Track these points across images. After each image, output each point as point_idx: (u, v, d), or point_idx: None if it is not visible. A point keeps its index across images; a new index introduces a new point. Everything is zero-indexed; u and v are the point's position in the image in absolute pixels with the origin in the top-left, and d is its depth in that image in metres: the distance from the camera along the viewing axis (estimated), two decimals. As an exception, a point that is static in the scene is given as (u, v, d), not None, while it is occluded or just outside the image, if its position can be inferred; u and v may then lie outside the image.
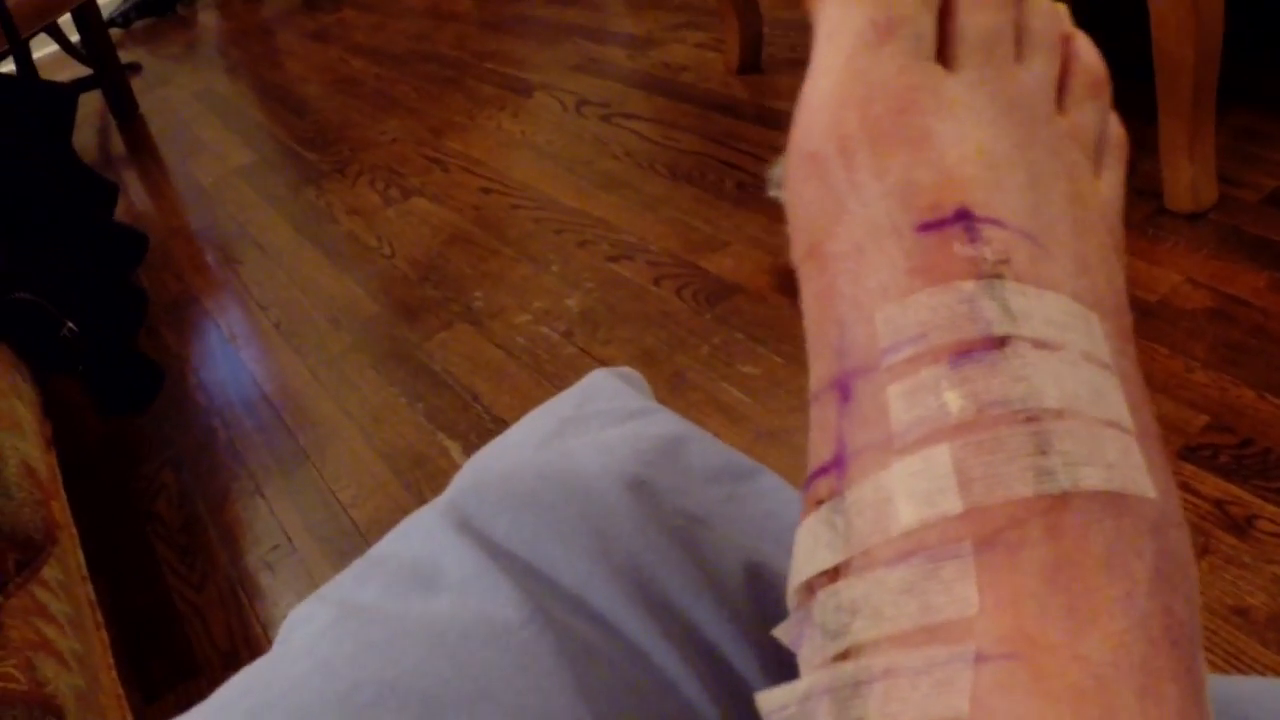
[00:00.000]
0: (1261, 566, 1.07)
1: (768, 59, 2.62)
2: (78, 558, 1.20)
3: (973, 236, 0.28)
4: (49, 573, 1.02)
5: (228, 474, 1.71)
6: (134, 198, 2.99)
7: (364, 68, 3.56)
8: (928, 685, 0.24)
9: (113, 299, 1.74)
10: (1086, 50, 0.34)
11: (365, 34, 3.95)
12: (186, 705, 0.37)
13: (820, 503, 0.29)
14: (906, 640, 0.25)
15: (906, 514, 0.26)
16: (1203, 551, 1.10)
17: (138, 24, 5.15)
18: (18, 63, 2.59)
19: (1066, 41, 0.34)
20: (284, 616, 1.40)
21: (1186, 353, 1.35)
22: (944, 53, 0.32)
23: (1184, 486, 1.17)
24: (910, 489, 0.26)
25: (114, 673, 1.10)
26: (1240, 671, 1.00)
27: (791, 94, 2.13)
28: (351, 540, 1.48)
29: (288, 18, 4.58)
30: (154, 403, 1.82)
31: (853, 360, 0.29)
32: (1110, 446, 0.26)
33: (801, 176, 0.31)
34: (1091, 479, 0.26)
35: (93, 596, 1.18)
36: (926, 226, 0.29)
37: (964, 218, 0.29)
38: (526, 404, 1.61)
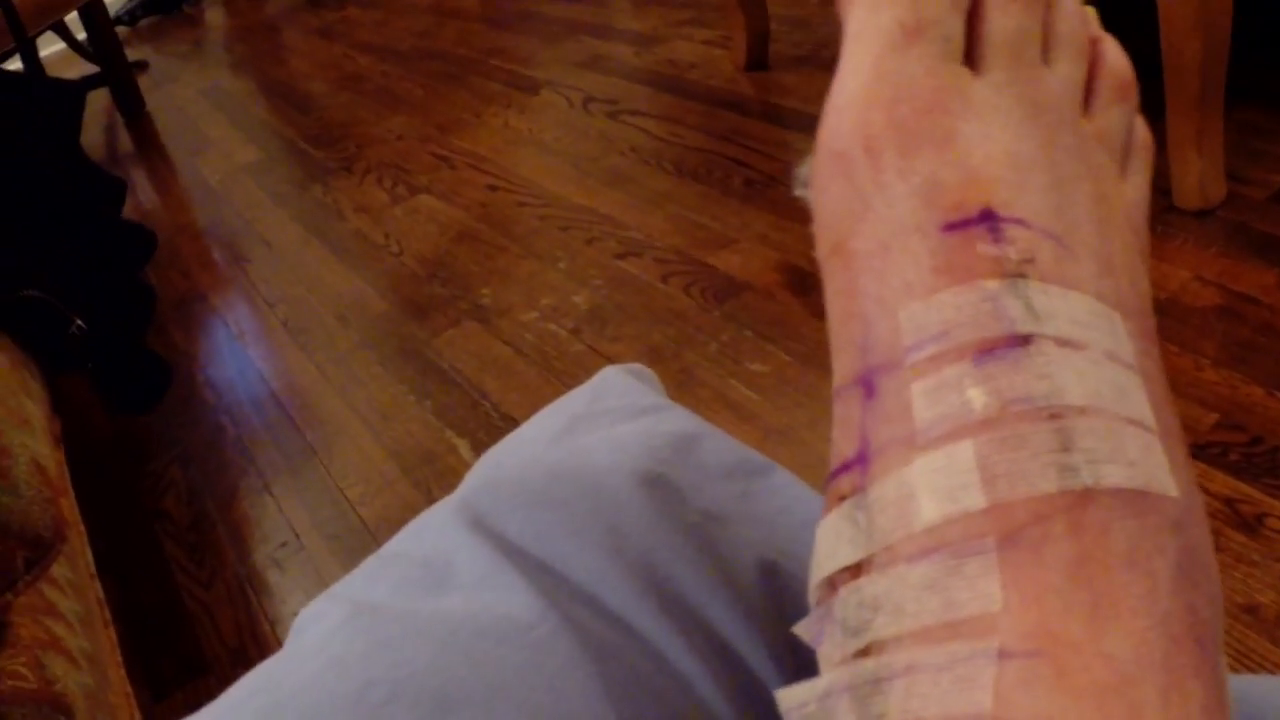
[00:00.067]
0: (1271, 564, 1.07)
1: (775, 56, 2.62)
2: (87, 556, 1.20)
3: (997, 236, 0.28)
4: (58, 571, 1.02)
5: (236, 471, 1.71)
6: (141, 195, 2.99)
7: (369, 65, 3.56)
8: (949, 681, 0.24)
9: (121, 296, 1.75)
10: (1114, 54, 0.34)
11: (370, 31, 3.96)
12: (195, 703, 0.37)
13: (843, 499, 0.28)
14: (928, 636, 0.25)
15: (929, 510, 0.26)
16: (1213, 549, 1.10)
17: (144, 22, 5.15)
18: (24, 60, 2.59)
19: (1094, 45, 0.34)
20: (292, 614, 1.39)
21: (1196, 350, 1.35)
22: (971, 55, 0.32)
23: (1194, 484, 1.17)
24: (933, 485, 0.26)
25: (123, 671, 1.10)
26: (1250, 670, 0.99)
27: (798, 91, 2.14)
28: (360, 538, 1.49)
29: (293, 15, 4.58)
30: (163, 401, 1.82)
31: (876, 357, 0.29)
32: (1133, 444, 0.26)
33: (827, 175, 0.31)
34: (1114, 476, 0.26)
35: (101, 594, 1.18)
36: (951, 226, 0.29)
37: (988, 218, 0.29)
38: (535, 401, 1.61)
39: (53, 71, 3.37)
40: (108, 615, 1.16)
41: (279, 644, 1.42)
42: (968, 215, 0.29)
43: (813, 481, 0.47)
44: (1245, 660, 1.00)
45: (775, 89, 2.48)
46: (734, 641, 0.38)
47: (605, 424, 0.49)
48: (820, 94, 2.25)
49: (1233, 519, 1.12)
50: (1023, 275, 0.28)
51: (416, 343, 1.89)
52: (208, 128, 3.40)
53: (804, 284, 1.73)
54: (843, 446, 0.29)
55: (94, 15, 3.48)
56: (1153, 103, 1.55)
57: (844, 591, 0.27)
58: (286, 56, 4.00)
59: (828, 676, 0.27)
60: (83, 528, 1.24)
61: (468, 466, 1.55)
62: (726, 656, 0.38)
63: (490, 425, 1.63)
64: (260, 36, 4.38)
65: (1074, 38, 0.33)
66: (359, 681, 0.34)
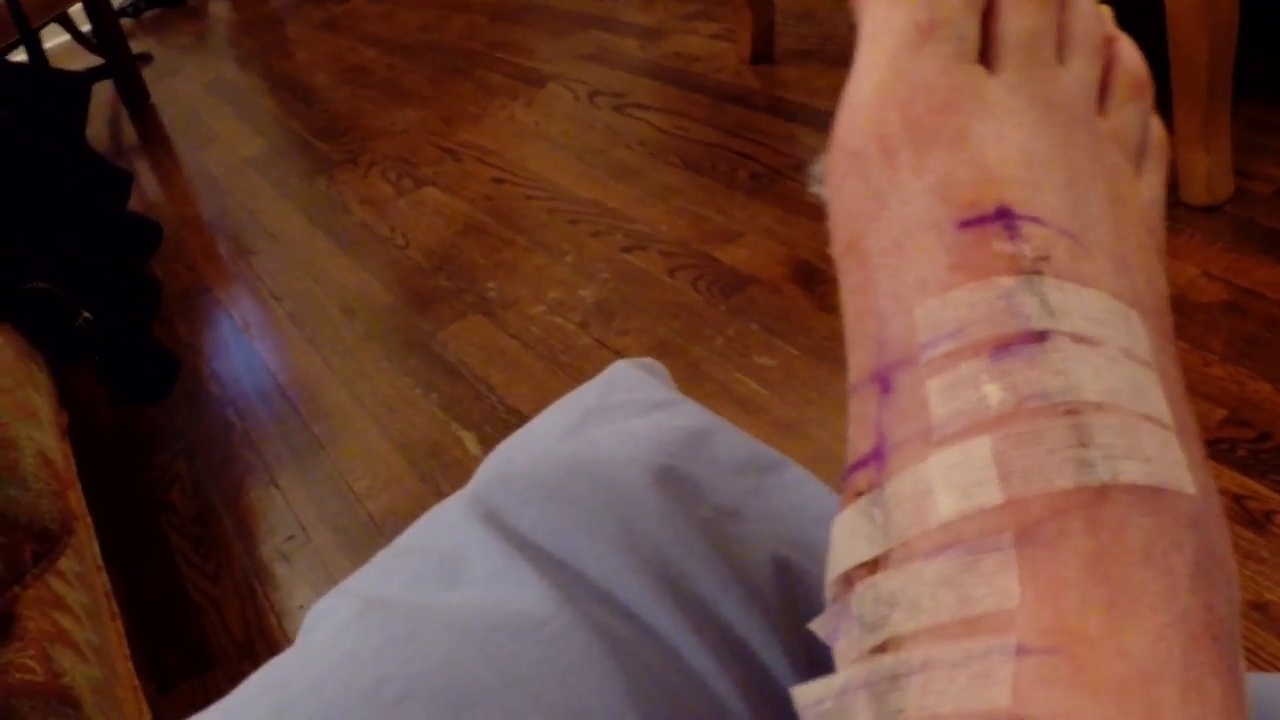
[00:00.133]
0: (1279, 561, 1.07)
1: (780, 50, 2.61)
2: (93, 548, 1.20)
3: (1012, 234, 0.28)
4: (65, 564, 1.02)
5: (242, 464, 1.72)
6: (146, 188, 2.99)
7: (375, 57, 3.56)
8: (966, 678, 0.24)
9: (128, 288, 1.75)
10: (1129, 53, 0.34)
11: (375, 23, 3.95)
12: (201, 696, 0.37)
13: (859, 495, 0.28)
14: (945, 633, 0.25)
15: (946, 506, 0.26)
16: (1220, 545, 1.10)
17: (148, 14, 5.15)
18: (29, 52, 2.59)
19: (1109, 44, 0.34)
20: (299, 607, 1.40)
21: (1203, 346, 1.35)
22: (986, 54, 0.32)
23: (1201, 479, 1.16)
24: (950, 481, 0.26)
25: (130, 664, 1.10)
26: (1259, 668, 0.99)
27: (804, 84, 2.13)
28: (366, 530, 1.49)
29: (297, 7, 4.58)
30: (170, 392, 1.82)
31: (892, 354, 0.29)
32: (1150, 441, 0.26)
33: (843, 173, 0.32)
34: (1131, 472, 0.26)
35: (108, 587, 1.18)
36: (966, 223, 0.29)
37: (1004, 215, 0.29)
38: (541, 394, 1.61)
39: (57, 63, 3.37)
40: (115, 608, 1.16)
41: (285, 637, 1.42)
42: (983, 212, 0.29)
43: (822, 476, 0.47)
44: (1254, 658, 1.00)
45: (781, 82, 2.47)
46: (747, 637, 0.38)
47: (618, 418, 0.49)
48: (826, 88, 2.25)
49: (1240, 516, 1.12)
50: (1038, 272, 0.28)
51: (422, 335, 1.89)
52: (212, 120, 3.40)
53: (810, 278, 1.73)
54: (859, 443, 0.29)
55: (98, 7, 3.48)
56: (1160, 98, 1.54)
57: (860, 588, 0.27)
58: (291, 49, 4.00)
59: (844, 673, 0.27)
60: (90, 520, 1.24)
61: (474, 459, 1.56)
62: (740, 652, 0.38)
63: (496, 418, 1.63)
64: (265, 29, 4.38)
65: (1089, 37, 0.33)
66: (372, 678, 0.34)
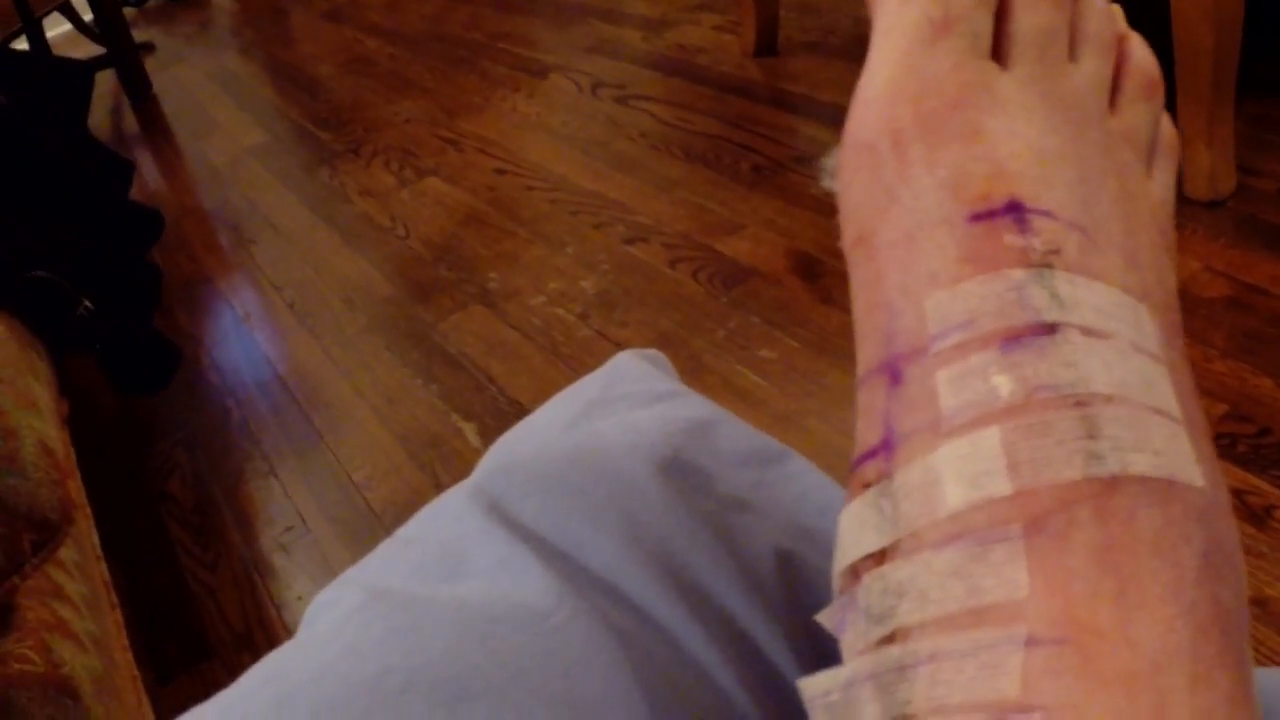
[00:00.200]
0: (1279, 557, 1.07)
1: (784, 42, 2.61)
2: (93, 538, 1.20)
3: (1023, 227, 0.29)
4: (65, 554, 1.02)
5: (241, 455, 1.72)
6: (147, 177, 2.99)
7: (378, 48, 3.55)
8: (975, 669, 0.24)
9: (129, 277, 1.75)
10: (1140, 52, 0.35)
11: (379, 14, 3.95)
12: (200, 686, 0.37)
13: (867, 486, 0.29)
14: (953, 623, 0.25)
15: (954, 496, 0.26)
16: (1221, 540, 1.10)
17: (151, 3, 5.14)
18: (31, 41, 2.59)
19: (1120, 42, 0.35)
20: (298, 598, 1.40)
21: (1205, 341, 1.35)
22: (999, 51, 0.32)
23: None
24: (958, 471, 0.26)
25: (129, 654, 1.10)
26: (1259, 663, 0.99)
27: (807, 77, 2.13)
28: (366, 521, 1.49)
29: (301, -3, 4.58)
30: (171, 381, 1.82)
31: (902, 345, 0.29)
32: (1158, 433, 0.26)
33: (854, 167, 0.32)
34: (1140, 464, 0.26)
35: (108, 577, 1.18)
36: (977, 217, 0.29)
37: (1015, 209, 0.29)
38: (542, 386, 1.61)
39: (59, 52, 3.37)
40: (114, 598, 1.16)
41: (284, 627, 1.43)
42: (994, 206, 0.29)
43: (822, 468, 0.47)
44: (1255, 653, 1.00)
45: (784, 74, 2.47)
46: (751, 629, 0.38)
47: (621, 409, 0.49)
48: (829, 81, 2.24)
49: (1241, 511, 1.12)
50: (1049, 265, 0.28)
51: (423, 326, 1.89)
52: (214, 110, 3.40)
53: (812, 270, 1.72)
54: (867, 434, 0.29)
55: (101, -4, 3.48)
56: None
57: (868, 578, 0.27)
58: (294, 39, 4.00)
59: (851, 664, 0.27)
60: (89, 510, 1.24)
61: (474, 451, 1.56)
62: (744, 644, 0.38)
63: (497, 409, 1.63)
64: (268, 19, 4.37)
65: (1101, 35, 0.34)
66: (374, 669, 0.34)
